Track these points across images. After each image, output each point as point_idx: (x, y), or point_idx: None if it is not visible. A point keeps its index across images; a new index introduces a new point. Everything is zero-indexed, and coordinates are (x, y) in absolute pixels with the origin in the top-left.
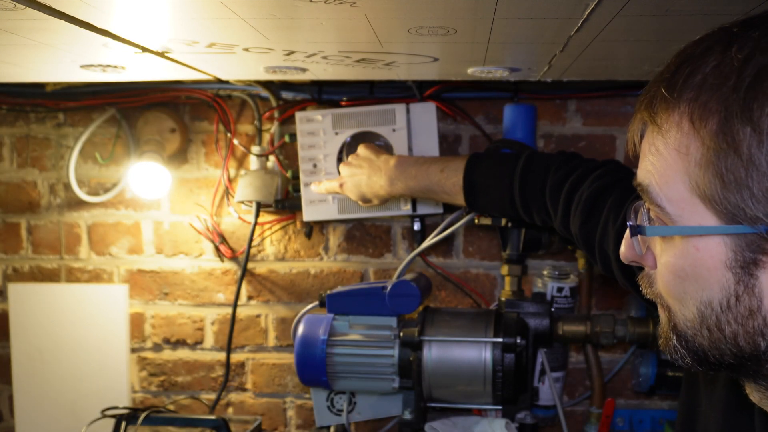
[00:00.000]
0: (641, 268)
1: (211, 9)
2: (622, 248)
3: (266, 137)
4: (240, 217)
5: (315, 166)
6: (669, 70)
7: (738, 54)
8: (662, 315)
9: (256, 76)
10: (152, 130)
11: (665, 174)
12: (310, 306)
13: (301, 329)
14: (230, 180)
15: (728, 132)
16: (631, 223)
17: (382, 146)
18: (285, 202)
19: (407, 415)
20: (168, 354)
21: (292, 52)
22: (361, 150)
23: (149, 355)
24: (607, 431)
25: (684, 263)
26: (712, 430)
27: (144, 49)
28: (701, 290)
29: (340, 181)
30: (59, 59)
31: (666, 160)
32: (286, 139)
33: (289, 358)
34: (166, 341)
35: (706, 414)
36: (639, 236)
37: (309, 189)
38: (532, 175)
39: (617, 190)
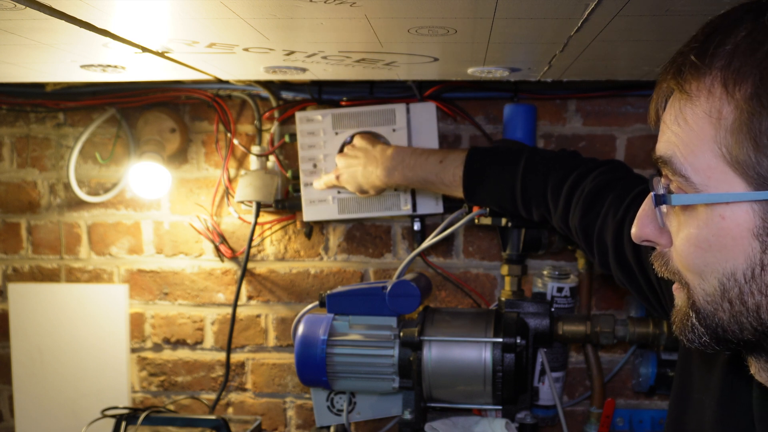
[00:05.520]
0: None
1: (211, 9)
2: (634, 228)
3: (266, 137)
4: (240, 217)
5: (315, 166)
6: (697, 39)
7: None
8: (679, 295)
9: (256, 76)
10: (152, 130)
11: (691, 143)
12: (310, 306)
13: (301, 329)
14: (230, 180)
15: (764, 94)
16: (654, 192)
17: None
18: (285, 202)
19: (407, 415)
20: (168, 354)
21: (292, 52)
22: (357, 140)
23: (149, 355)
24: (607, 431)
25: (708, 233)
26: (707, 416)
27: (144, 49)
28: (724, 261)
29: (336, 173)
30: (59, 59)
31: (692, 128)
32: (286, 139)
33: (289, 358)
34: (166, 341)
35: (700, 400)
36: (659, 212)
37: (309, 189)
38: (534, 172)
39: (618, 186)
